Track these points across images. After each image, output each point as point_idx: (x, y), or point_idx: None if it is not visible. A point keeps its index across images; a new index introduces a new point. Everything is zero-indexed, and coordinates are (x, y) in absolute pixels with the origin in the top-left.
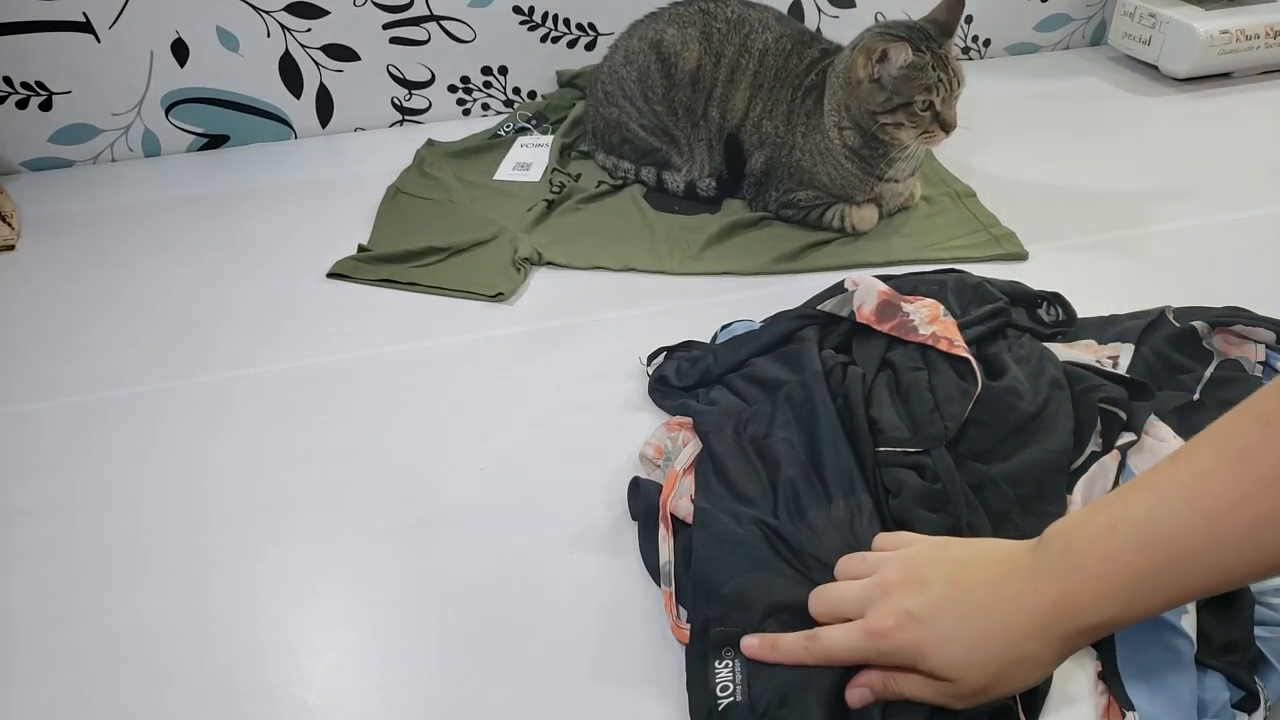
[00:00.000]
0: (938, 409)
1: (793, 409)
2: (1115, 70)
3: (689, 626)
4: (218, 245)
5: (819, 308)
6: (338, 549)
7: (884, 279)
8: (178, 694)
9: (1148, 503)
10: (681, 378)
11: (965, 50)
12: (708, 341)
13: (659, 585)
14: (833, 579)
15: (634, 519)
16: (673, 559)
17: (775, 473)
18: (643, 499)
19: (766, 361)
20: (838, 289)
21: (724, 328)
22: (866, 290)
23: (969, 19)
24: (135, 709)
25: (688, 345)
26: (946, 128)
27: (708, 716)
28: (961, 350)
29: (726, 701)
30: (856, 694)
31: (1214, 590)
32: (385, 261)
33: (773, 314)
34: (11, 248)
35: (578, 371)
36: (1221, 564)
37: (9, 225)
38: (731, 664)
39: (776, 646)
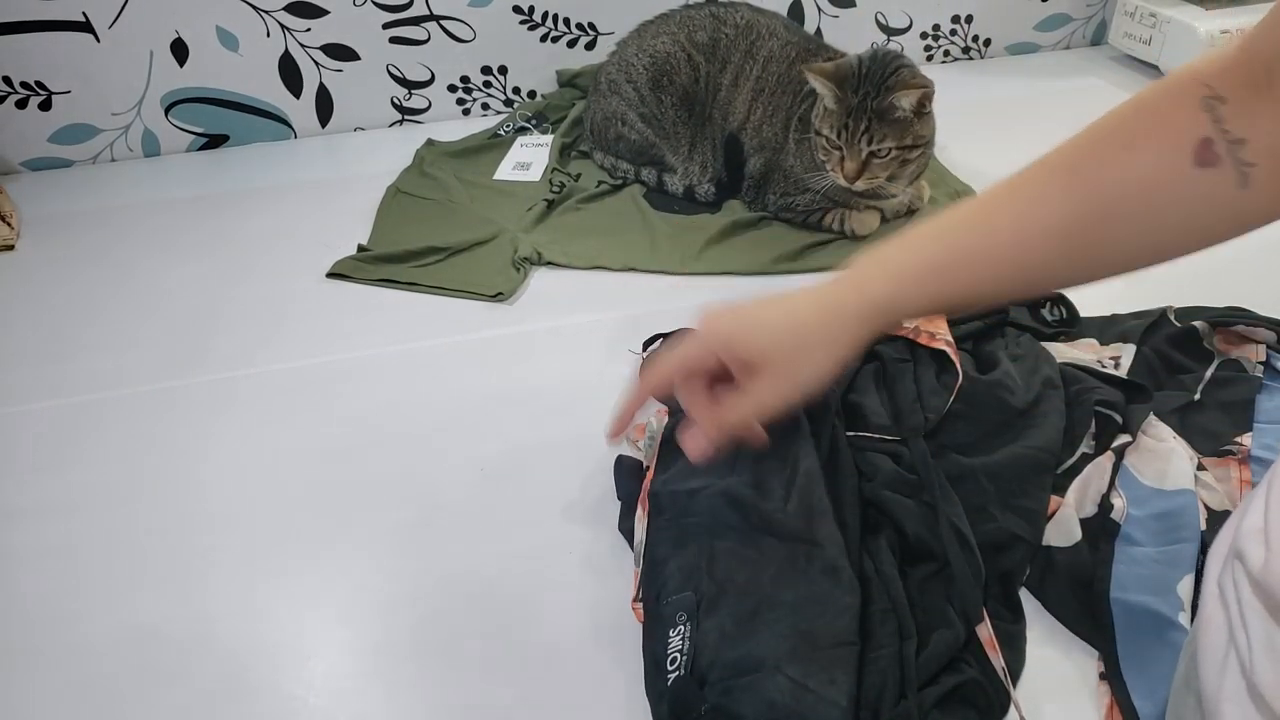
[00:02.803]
0: (920, 400)
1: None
2: (1116, 70)
3: (642, 605)
4: (218, 245)
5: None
6: (338, 549)
7: None
8: (177, 694)
9: (942, 219)
10: None
11: (966, 50)
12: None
13: (635, 565)
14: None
15: (619, 499)
16: (644, 539)
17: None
18: (624, 478)
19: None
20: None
21: None
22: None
23: (969, 18)
24: (135, 709)
25: (683, 333)
26: (845, 176)
27: (660, 697)
28: (940, 344)
29: (674, 675)
30: (692, 444)
31: (991, 296)
32: (385, 261)
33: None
34: (11, 248)
35: (578, 371)
36: (991, 273)
37: (9, 225)
38: (683, 630)
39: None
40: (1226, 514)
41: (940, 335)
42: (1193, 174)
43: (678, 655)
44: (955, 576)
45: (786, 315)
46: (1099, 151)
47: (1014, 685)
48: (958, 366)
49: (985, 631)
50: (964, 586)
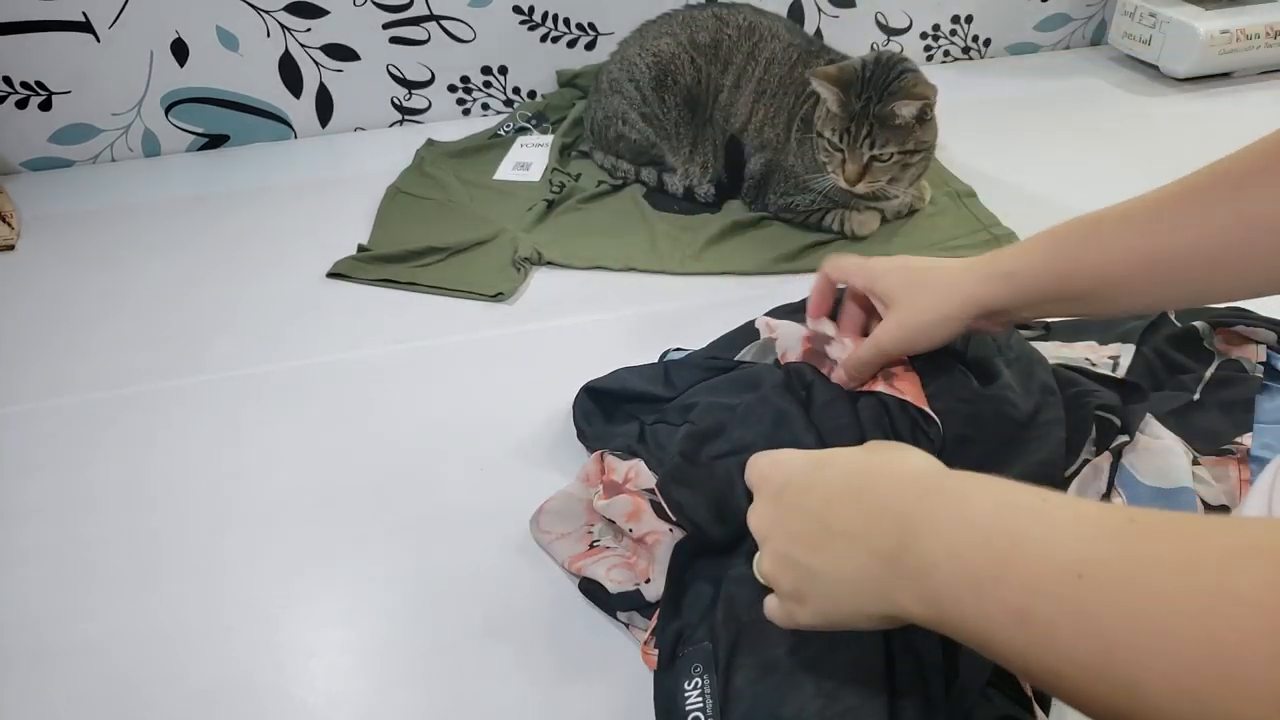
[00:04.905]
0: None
1: (752, 424)
2: (1115, 70)
3: (657, 652)
4: (218, 245)
5: (737, 358)
6: (337, 549)
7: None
8: (177, 694)
9: (1093, 214)
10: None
11: (966, 50)
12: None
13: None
14: None
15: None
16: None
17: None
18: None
19: (718, 386)
20: (749, 332)
21: (664, 355)
22: (788, 337)
23: (969, 18)
24: (135, 709)
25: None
26: (847, 179)
27: None
28: (909, 398)
29: None
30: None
31: (1111, 292)
32: (385, 261)
33: (678, 357)
34: (11, 248)
35: (578, 371)
36: (1121, 265)
37: (9, 225)
38: (700, 683)
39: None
40: (1223, 508)
41: (909, 393)
42: None
43: (700, 715)
44: None
45: (925, 264)
46: (1267, 168)
47: (1046, 713)
48: (937, 423)
49: None
50: None
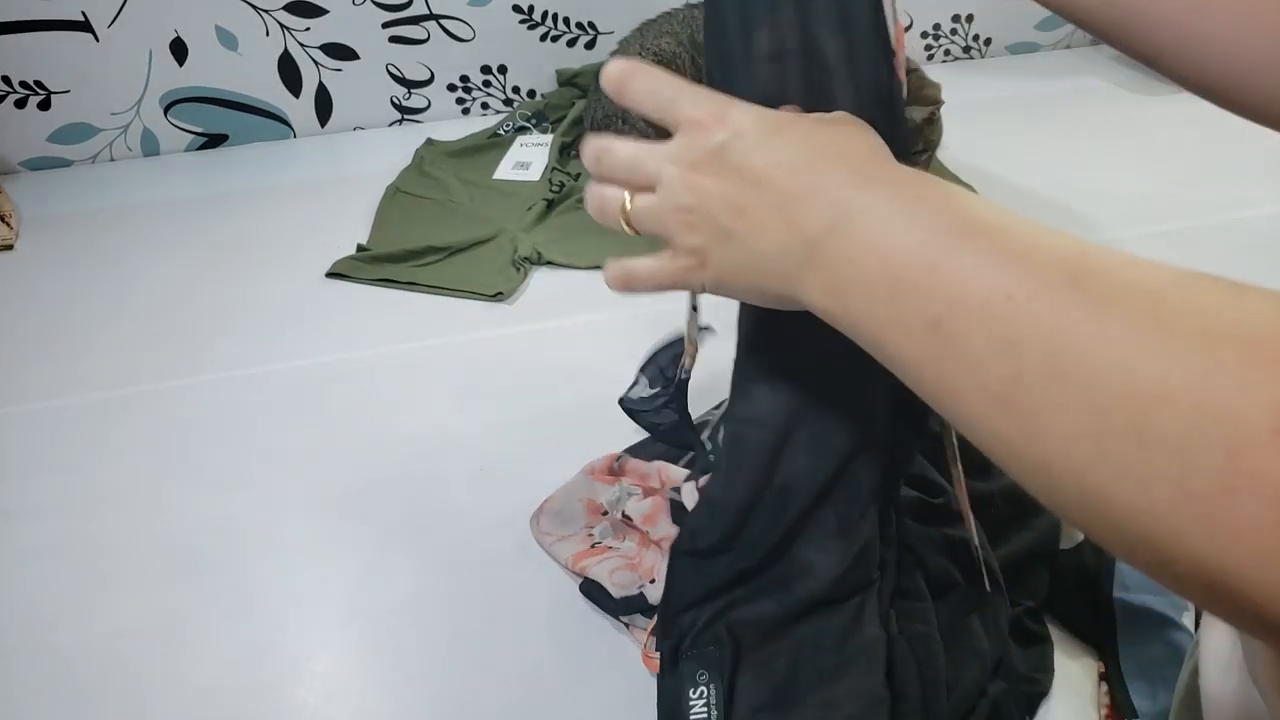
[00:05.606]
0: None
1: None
2: (1116, 70)
3: (658, 655)
4: (217, 245)
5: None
6: (337, 548)
7: None
8: (177, 695)
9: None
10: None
11: (966, 49)
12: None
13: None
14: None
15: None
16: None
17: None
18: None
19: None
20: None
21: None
22: None
23: (970, 18)
24: (134, 709)
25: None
26: None
27: None
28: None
29: None
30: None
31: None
32: (384, 261)
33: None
34: (10, 247)
35: (578, 371)
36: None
37: (8, 225)
38: (706, 692)
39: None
40: None
41: None
42: None
43: (704, 715)
44: (982, 612)
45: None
46: None
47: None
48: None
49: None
50: (991, 622)
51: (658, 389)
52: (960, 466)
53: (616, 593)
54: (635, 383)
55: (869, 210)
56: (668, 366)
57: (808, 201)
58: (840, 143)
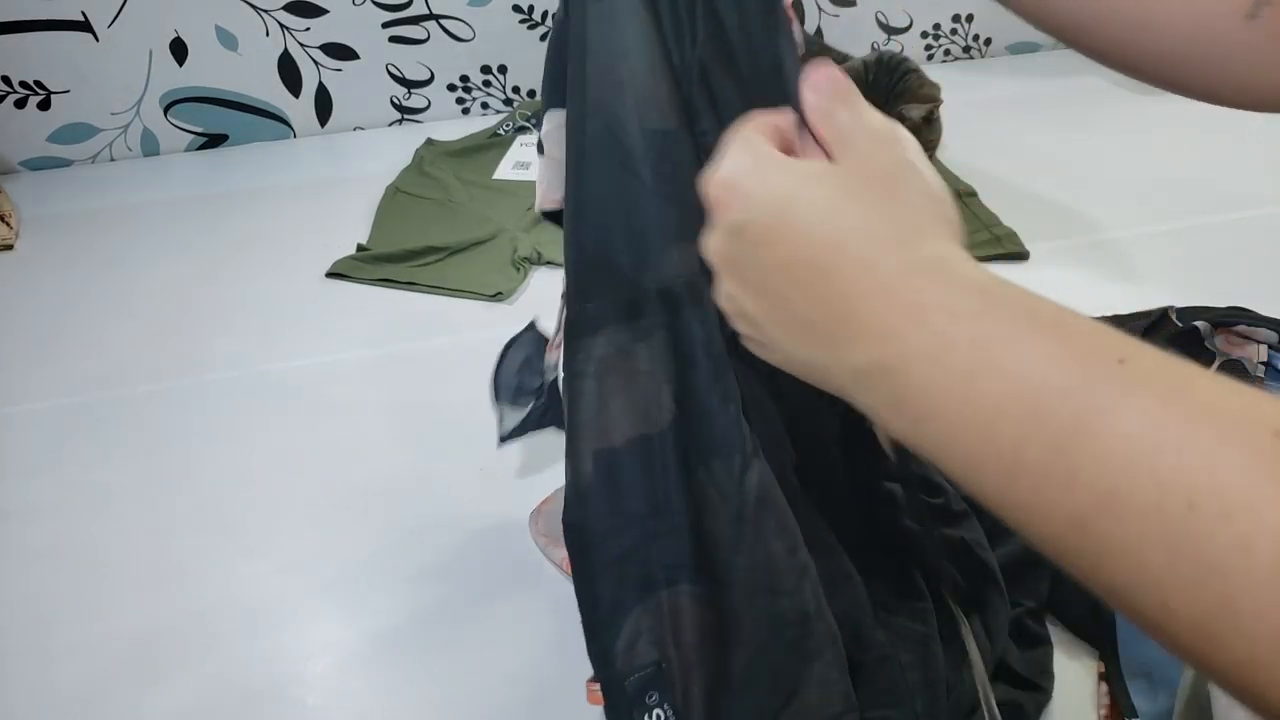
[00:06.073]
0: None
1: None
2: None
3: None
4: (217, 245)
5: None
6: (337, 549)
7: None
8: (176, 695)
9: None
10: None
11: (966, 49)
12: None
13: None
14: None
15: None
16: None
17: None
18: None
19: None
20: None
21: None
22: None
23: (969, 17)
24: (133, 710)
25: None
26: None
27: None
28: None
29: None
30: None
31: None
32: (384, 261)
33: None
34: (10, 247)
35: None
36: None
37: (8, 225)
38: (660, 713)
39: None
40: None
41: None
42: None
43: None
44: (985, 612)
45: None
46: None
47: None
48: None
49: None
50: (991, 623)
51: (530, 403)
52: None
53: None
54: (500, 417)
55: (939, 358)
56: (525, 378)
57: (841, 327)
58: (870, 236)
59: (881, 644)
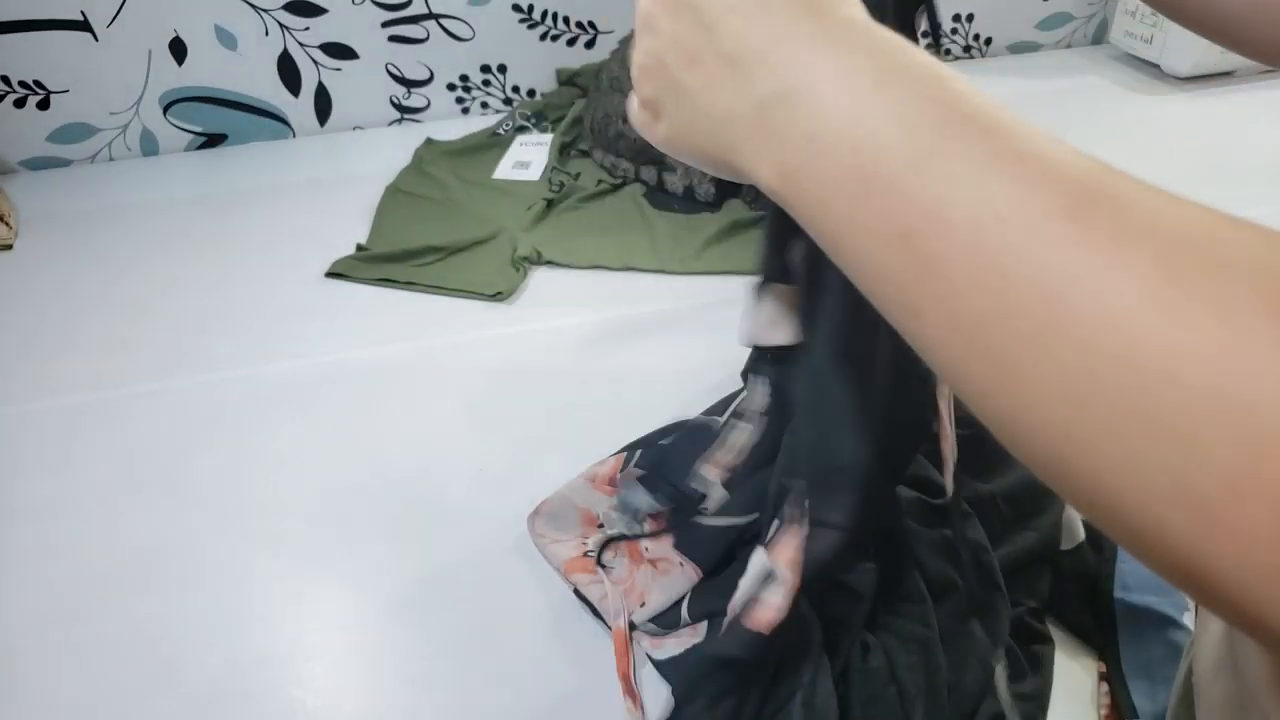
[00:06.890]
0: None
1: None
2: (1117, 69)
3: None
4: (217, 245)
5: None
6: (336, 549)
7: None
8: (176, 696)
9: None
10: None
11: (967, 49)
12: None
13: None
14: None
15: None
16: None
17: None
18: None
19: None
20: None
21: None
22: None
23: (970, 17)
24: (133, 710)
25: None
26: None
27: None
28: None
29: None
30: None
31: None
32: (384, 261)
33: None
34: (9, 247)
35: (577, 371)
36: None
37: (7, 225)
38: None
39: None
40: None
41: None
42: None
43: None
44: (985, 615)
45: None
46: None
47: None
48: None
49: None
50: (992, 624)
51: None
52: (950, 401)
53: (609, 620)
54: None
55: (840, 80)
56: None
57: (763, 56)
58: None
59: (881, 646)
